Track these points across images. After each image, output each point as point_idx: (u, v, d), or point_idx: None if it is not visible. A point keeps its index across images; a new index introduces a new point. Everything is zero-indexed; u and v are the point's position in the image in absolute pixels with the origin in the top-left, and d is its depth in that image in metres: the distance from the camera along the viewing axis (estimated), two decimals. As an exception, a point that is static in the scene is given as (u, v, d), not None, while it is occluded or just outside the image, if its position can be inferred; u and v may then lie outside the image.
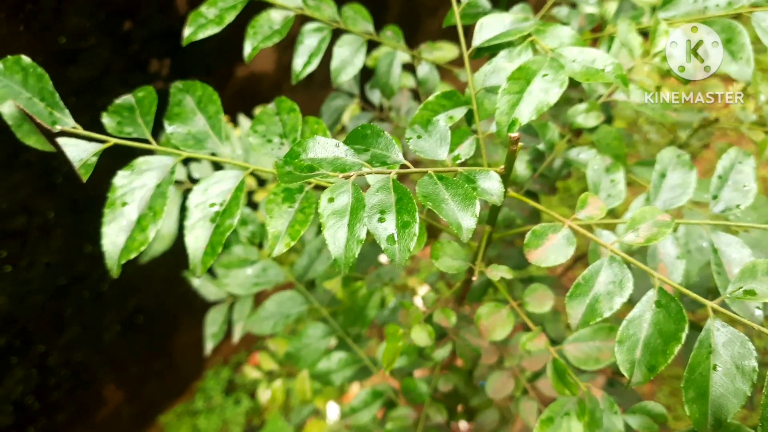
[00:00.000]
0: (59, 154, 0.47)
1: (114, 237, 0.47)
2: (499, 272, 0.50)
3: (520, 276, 0.86)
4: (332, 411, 1.21)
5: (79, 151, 0.47)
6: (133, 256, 0.47)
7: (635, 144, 1.08)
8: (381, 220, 0.35)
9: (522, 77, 0.45)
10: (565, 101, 0.78)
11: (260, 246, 0.95)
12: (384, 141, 0.40)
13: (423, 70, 0.78)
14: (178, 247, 0.62)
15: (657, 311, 0.39)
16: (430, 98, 0.51)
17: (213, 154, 0.53)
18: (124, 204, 0.48)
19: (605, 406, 0.49)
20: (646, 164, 0.70)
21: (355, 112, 1.03)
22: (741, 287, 0.39)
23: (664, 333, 0.38)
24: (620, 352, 0.39)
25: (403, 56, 0.83)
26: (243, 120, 1.13)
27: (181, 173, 0.89)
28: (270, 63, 1.67)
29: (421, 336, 0.63)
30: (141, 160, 0.49)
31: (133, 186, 0.49)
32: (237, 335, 0.99)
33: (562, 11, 0.82)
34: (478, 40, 0.51)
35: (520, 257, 0.88)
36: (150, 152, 0.50)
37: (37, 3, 1.11)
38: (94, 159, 0.47)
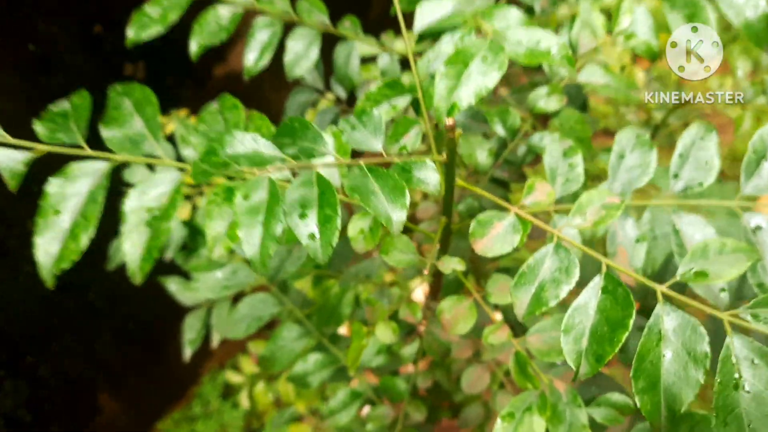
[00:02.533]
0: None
1: (47, 246, 0.46)
2: (450, 264, 0.48)
3: (498, 267, 0.84)
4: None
5: (8, 160, 0.46)
6: (67, 266, 0.45)
7: (611, 126, 1.06)
8: (302, 216, 0.33)
9: (460, 61, 0.43)
10: (532, 86, 0.76)
11: (231, 250, 0.93)
12: (312, 134, 0.38)
13: (383, 60, 0.76)
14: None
15: (603, 297, 0.37)
16: (373, 88, 0.49)
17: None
18: (56, 212, 0.46)
19: (568, 399, 0.47)
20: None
21: (329, 107, 1.01)
22: (692, 268, 0.37)
23: (611, 320, 0.36)
24: (566, 342, 0.37)
25: (368, 48, 0.81)
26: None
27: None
28: (247, 62, 1.65)
29: (385, 333, 0.61)
30: (74, 167, 0.47)
31: (65, 193, 0.47)
32: (215, 340, 0.97)
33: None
34: (418, 26, 0.49)
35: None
36: (84, 158, 0.48)
37: (5, 11, 1.10)
38: (23, 168, 0.46)
